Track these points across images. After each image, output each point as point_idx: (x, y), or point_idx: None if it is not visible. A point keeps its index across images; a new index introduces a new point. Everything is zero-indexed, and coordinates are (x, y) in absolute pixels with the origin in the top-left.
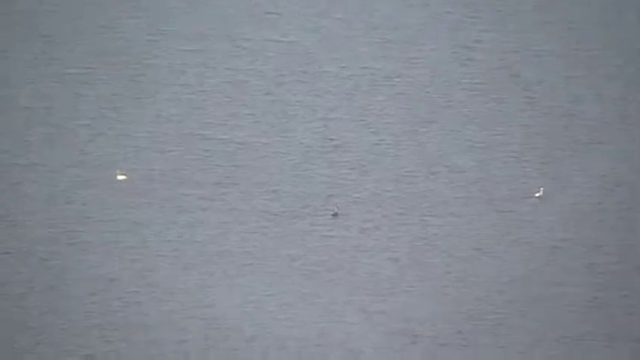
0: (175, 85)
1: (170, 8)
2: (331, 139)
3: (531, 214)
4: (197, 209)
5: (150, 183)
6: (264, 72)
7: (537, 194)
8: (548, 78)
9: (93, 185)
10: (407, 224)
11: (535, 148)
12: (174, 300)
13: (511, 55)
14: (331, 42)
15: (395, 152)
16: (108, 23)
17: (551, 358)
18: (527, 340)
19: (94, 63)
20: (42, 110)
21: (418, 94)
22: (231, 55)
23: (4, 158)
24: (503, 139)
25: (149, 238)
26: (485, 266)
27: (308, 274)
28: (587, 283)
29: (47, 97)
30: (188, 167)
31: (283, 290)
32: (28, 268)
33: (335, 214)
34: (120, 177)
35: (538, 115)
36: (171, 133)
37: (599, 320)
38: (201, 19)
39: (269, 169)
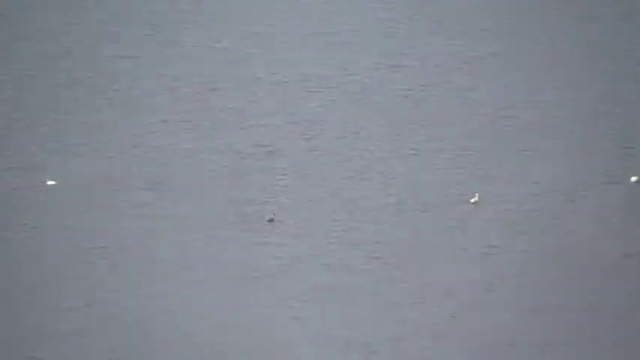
0: (108, 91)
1: (103, 14)
2: (264, 146)
3: (464, 221)
4: (129, 215)
5: (81, 189)
6: (197, 78)
7: (473, 200)
8: (482, 84)
9: (22, 190)
10: (340, 230)
11: (468, 154)
12: (104, 305)
13: (444, 61)
14: (264, 48)
15: (328, 158)
16: (44, 28)
17: None
18: (460, 346)
19: (28, 68)
20: None
21: (351, 100)
22: (164, 60)
23: None
24: (436, 145)
25: (80, 244)
26: (419, 272)
27: (241, 280)
28: (519, 290)
29: None
30: (120, 173)
31: (216, 297)
32: None
33: (271, 220)
34: (50, 182)
35: (471, 121)
36: (103, 139)
37: (531, 326)
38: (134, 25)
39: (202, 176)
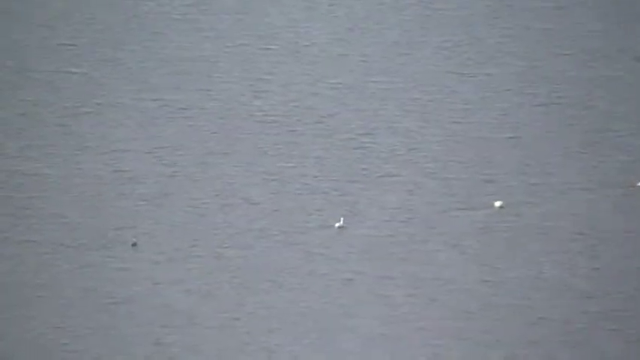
0: None
1: None
2: (125, 171)
3: (326, 247)
4: None
5: None
6: (57, 103)
7: (338, 224)
8: (342, 110)
9: None
10: (201, 256)
11: (330, 179)
12: None
13: (305, 87)
14: (124, 73)
15: (189, 184)
16: None
17: None
18: None
19: None
20: None
21: (212, 125)
22: (23, 86)
23: None
24: (297, 170)
25: None
26: (279, 299)
27: (102, 306)
28: (379, 316)
29: None
30: None
31: (77, 323)
32: None
33: (134, 245)
34: None
35: (332, 147)
36: None
37: (390, 353)
38: None
39: (62, 201)
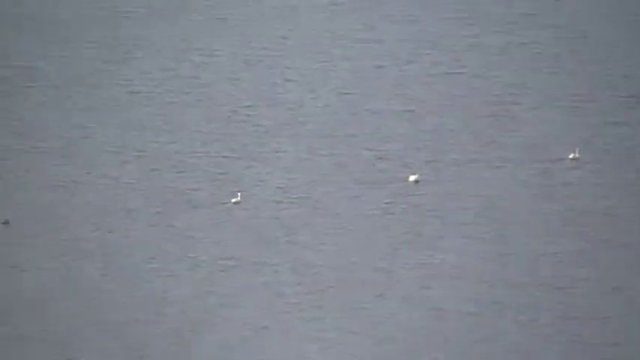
0: None
1: None
2: None
3: (202, 230)
4: None
5: None
6: None
7: (234, 200)
8: (223, 82)
9: None
10: (71, 239)
11: (208, 156)
12: None
13: (180, 55)
14: None
15: (54, 160)
16: None
17: None
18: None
19: None
20: None
21: (78, 99)
22: None
23: None
24: (172, 147)
25: None
26: (149, 283)
27: None
28: (263, 306)
29: None
30: None
31: None
32: None
33: (6, 223)
34: None
35: (211, 120)
36: None
37: (277, 345)
38: None
39: None
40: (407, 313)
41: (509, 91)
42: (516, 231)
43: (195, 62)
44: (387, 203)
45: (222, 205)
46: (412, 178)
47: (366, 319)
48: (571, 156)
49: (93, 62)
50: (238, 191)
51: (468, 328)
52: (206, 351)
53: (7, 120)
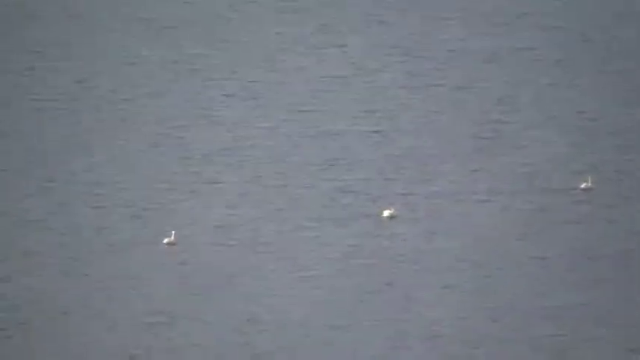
0: None
1: None
2: None
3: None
4: None
5: None
6: None
7: (166, 240)
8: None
9: None
10: None
11: (130, 189)
12: None
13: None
14: None
15: None
16: None
17: None
18: None
19: None
20: None
21: None
22: None
23: None
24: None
25: None
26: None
27: None
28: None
29: None
30: None
31: None
32: None
33: None
34: None
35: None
36: None
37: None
38: None
39: None
40: None
41: (500, 108)
42: (507, 279)
43: (115, 72)
44: (351, 245)
45: (150, 247)
46: (386, 213)
47: None
48: (583, 185)
49: None
50: (172, 230)
51: None
52: None
53: None
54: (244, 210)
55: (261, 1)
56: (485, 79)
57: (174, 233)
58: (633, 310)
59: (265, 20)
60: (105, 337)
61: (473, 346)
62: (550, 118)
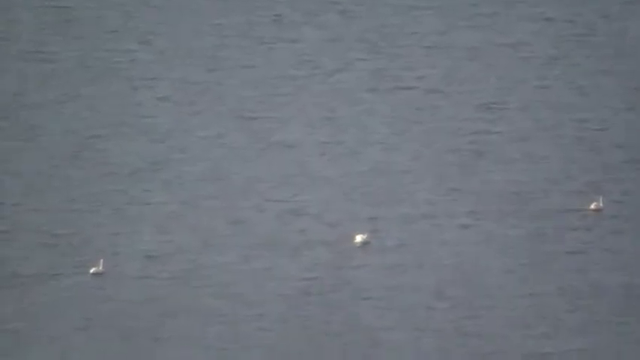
0: None
1: None
2: None
3: None
4: None
5: None
6: None
7: (94, 269)
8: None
9: None
10: None
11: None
12: None
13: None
14: None
15: None
16: None
17: None
18: None
19: None
20: None
21: None
22: None
23: None
24: None
25: None
26: None
27: None
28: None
29: None
30: None
31: None
32: None
33: None
34: None
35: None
36: None
37: None
38: None
39: None
40: None
41: (484, 115)
42: (495, 320)
43: (22, 71)
44: (306, 279)
45: (65, 280)
46: (359, 238)
47: None
48: (592, 206)
49: None
50: (95, 259)
51: None
52: None
53: None
54: (179, 236)
55: None
56: (467, 80)
57: (102, 262)
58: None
59: (204, 9)
60: None
61: None
62: (543, 126)
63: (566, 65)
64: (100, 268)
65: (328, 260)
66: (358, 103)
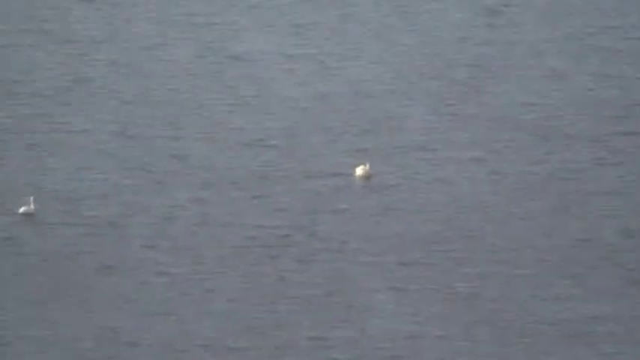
0: None
1: None
2: None
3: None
4: None
5: None
6: None
7: (23, 209)
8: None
9: None
10: None
11: None
12: None
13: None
14: None
15: None
16: None
17: None
18: None
19: None
20: None
21: None
22: None
23: None
24: None
25: None
26: None
27: None
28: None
29: None
30: None
31: None
32: None
33: None
34: None
35: None
36: None
37: None
38: None
39: None
40: None
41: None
42: (505, 280)
43: None
44: (272, 227)
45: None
46: (359, 171)
47: None
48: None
49: None
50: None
51: None
52: None
53: None
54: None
55: None
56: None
57: (33, 199)
58: None
59: None
60: None
61: None
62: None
63: (564, 68)
64: (31, 207)
65: (298, 204)
66: (334, 5)
